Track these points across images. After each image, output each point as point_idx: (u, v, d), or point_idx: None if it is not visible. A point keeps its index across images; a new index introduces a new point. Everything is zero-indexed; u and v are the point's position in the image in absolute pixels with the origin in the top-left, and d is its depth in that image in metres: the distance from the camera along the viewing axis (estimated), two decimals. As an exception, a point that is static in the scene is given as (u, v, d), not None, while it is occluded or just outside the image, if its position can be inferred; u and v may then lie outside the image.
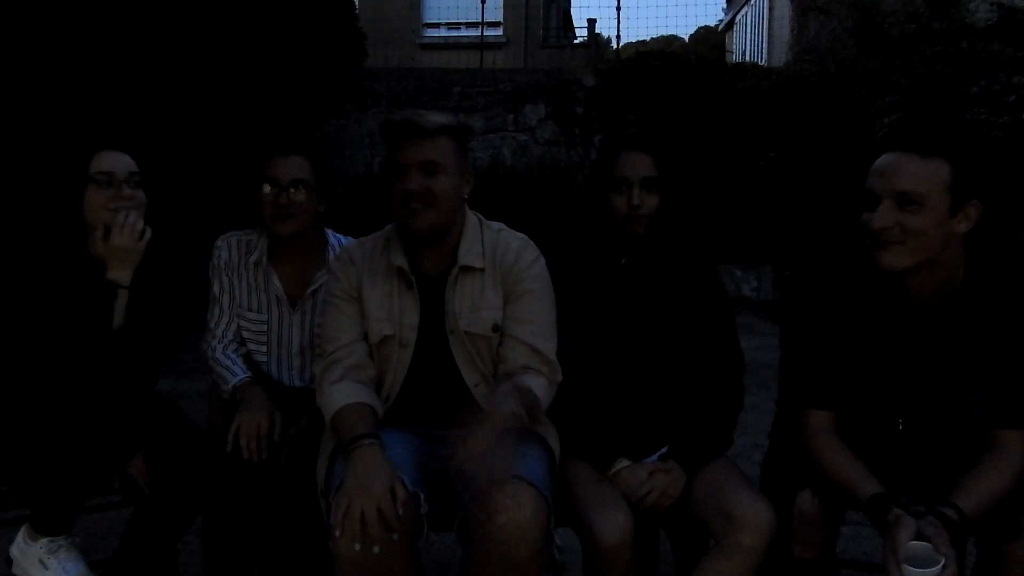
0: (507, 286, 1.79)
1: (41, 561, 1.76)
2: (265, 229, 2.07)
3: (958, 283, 1.60)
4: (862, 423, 1.70)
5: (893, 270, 1.55)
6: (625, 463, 1.81)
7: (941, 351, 1.62)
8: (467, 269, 1.78)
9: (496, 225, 1.88)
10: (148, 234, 1.88)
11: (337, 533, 1.45)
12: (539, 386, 1.73)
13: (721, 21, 15.54)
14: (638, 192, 1.83)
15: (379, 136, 1.78)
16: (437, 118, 1.73)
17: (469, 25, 12.19)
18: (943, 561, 1.38)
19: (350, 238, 2.06)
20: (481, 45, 11.37)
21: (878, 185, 1.54)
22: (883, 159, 1.56)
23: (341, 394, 1.71)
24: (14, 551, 1.80)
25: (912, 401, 1.67)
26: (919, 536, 1.43)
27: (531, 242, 1.86)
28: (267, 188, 1.99)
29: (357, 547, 1.42)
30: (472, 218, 1.85)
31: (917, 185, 1.50)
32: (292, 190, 2.00)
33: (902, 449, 1.69)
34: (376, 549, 1.43)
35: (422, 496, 1.56)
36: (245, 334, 2.13)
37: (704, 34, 18.83)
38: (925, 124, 1.63)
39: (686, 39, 19.59)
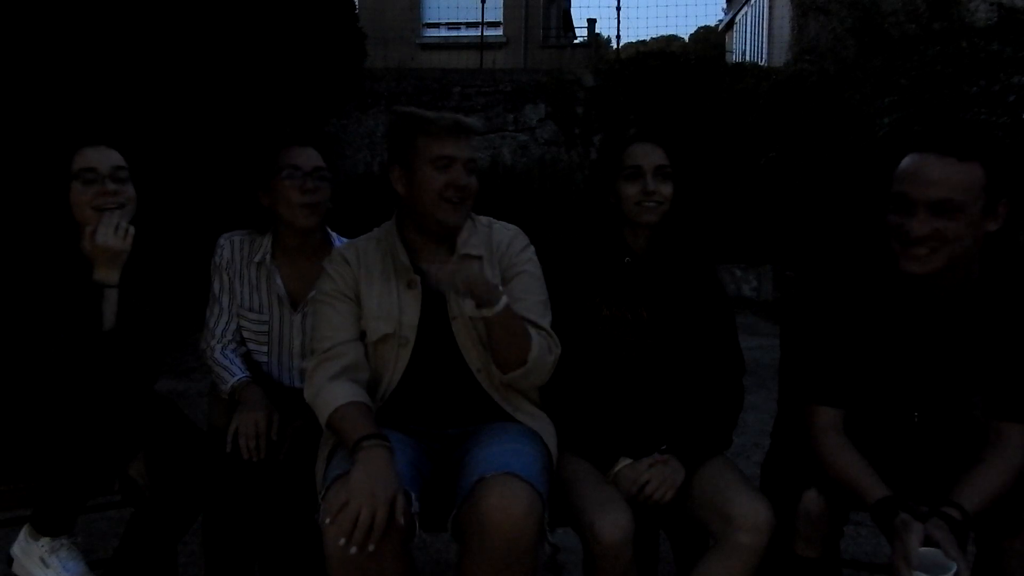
0: (503, 270, 1.83)
1: (42, 559, 1.76)
2: (279, 223, 2.07)
3: (975, 277, 1.61)
4: (876, 416, 1.71)
5: (922, 274, 1.53)
6: (627, 461, 1.81)
7: (954, 344, 1.63)
8: (467, 257, 1.79)
9: (485, 220, 1.91)
10: (132, 232, 1.85)
11: (328, 521, 1.44)
12: (537, 341, 1.72)
13: (721, 21, 15.54)
14: (652, 179, 1.85)
15: (402, 126, 1.77)
16: (469, 119, 1.78)
17: (469, 25, 12.19)
18: (955, 568, 1.38)
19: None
20: (481, 45, 11.37)
21: (914, 191, 1.50)
22: (917, 163, 1.51)
23: (339, 391, 1.69)
24: (15, 550, 1.80)
25: (927, 393, 1.68)
26: (927, 541, 1.42)
27: (521, 231, 1.91)
28: (290, 178, 2.00)
29: (341, 542, 1.42)
30: None
31: (956, 192, 1.47)
32: (316, 179, 2.02)
33: (917, 441, 1.70)
34: (353, 550, 1.42)
35: (414, 495, 1.56)
36: (246, 334, 2.13)
37: (704, 34, 18.82)
38: (957, 126, 1.61)
39: (686, 39, 19.58)
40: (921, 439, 1.70)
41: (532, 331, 1.73)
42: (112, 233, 1.82)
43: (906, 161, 1.54)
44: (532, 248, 1.89)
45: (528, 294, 1.81)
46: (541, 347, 1.73)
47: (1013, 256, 1.63)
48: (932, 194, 1.48)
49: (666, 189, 1.88)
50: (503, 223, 1.92)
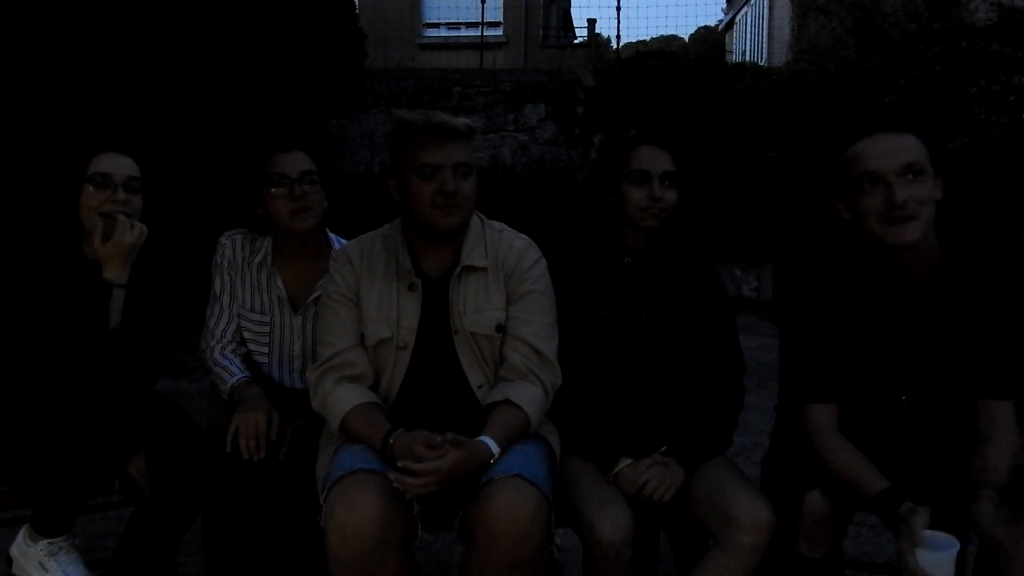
0: (510, 287, 1.79)
1: (41, 564, 1.76)
2: (277, 229, 2.06)
3: (937, 258, 1.66)
4: (865, 404, 1.72)
5: (909, 244, 1.58)
6: (627, 461, 1.81)
7: (933, 325, 1.66)
8: (470, 269, 1.78)
9: (498, 225, 1.88)
10: (145, 232, 1.88)
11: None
12: (533, 398, 1.72)
13: (721, 21, 15.55)
14: (658, 185, 1.85)
15: (393, 134, 1.76)
16: (460, 119, 1.74)
17: (469, 25, 12.19)
18: (958, 546, 1.39)
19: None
20: (481, 45, 11.37)
21: (881, 165, 1.57)
22: (870, 143, 1.61)
23: (347, 396, 1.71)
24: (14, 551, 1.80)
25: (913, 377, 1.70)
26: (932, 526, 1.43)
27: (533, 243, 1.87)
28: (278, 187, 1.98)
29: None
30: (474, 218, 1.85)
31: (916, 155, 1.58)
32: (305, 184, 2.00)
33: (907, 426, 1.72)
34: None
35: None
36: (246, 334, 2.13)
37: (704, 34, 18.83)
38: (886, 109, 1.75)
39: (686, 39, 19.59)
40: (910, 423, 1.72)
41: (527, 387, 1.72)
42: (128, 230, 1.84)
43: (857, 147, 1.62)
44: (543, 262, 1.84)
45: (536, 315, 1.78)
46: (540, 409, 1.73)
47: (971, 242, 1.67)
48: (901, 159, 1.57)
49: (671, 196, 1.87)
50: (515, 232, 1.88)
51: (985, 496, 1.49)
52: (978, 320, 1.63)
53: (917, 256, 1.63)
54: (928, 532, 1.42)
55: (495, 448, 1.59)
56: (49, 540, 1.77)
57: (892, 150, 1.58)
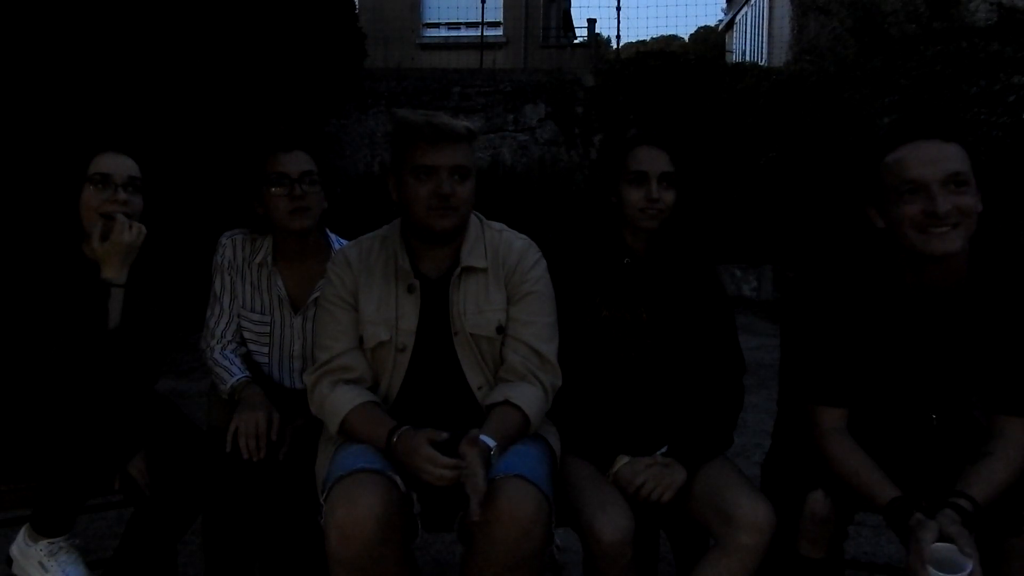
0: (510, 287, 1.79)
1: (41, 564, 1.76)
2: (276, 229, 2.06)
3: (965, 271, 1.63)
4: (891, 418, 1.71)
5: (947, 254, 1.55)
6: (625, 459, 1.81)
7: (954, 344, 1.64)
8: (470, 270, 1.78)
9: (497, 225, 1.88)
10: (143, 232, 1.88)
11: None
12: (533, 399, 1.72)
13: (721, 21, 15.56)
14: (656, 186, 1.84)
15: (393, 134, 1.75)
16: (460, 122, 1.72)
17: (469, 25, 12.19)
18: (970, 567, 1.38)
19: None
20: (481, 45, 11.37)
21: (924, 173, 1.53)
22: (915, 149, 1.56)
23: (344, 397, 1.70)
24: (14, 551, 1.80)
25: (939, 395, 1.69)
26: (941, 537, 1.43)
27: (533, 243, 1.86)
28: (278, 186, 1.98)
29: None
30: (473, 219, 1.84)
31: (962, 164, 1.54)
32: (305, 184, 2.00)
33: (935, 443, 1.70)
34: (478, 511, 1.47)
35: (415, 496, 1.56)
36: (246, 334, 2.13)
37: (704, 34, 18.85)
38: (933, 115, 1.70)
39: (686, 39, 19.61)
40: (939, 440, 1.70)
41: (527, 388, 1.72)
42: (126, 229, 1.84)
43: (900, 153, 1.58)
44: (543, 263, 1.84)
45: (536, 316, 1.78)
46: (539, 410, 1.73)
47: (1000, 256, 1.64)
48: (946, 168, 1.53)
49: (669, 197, 1.87)
50: (515, 233, 1.87)
51: (952, 506, 1.48)
52: (1002, 334, 1.60)
53: (949, 267, 1.60)
54: (938, 546, 1.41)
55: (490, 442, 1.59)
56: (49, 540, 1.77)
57: (936, 159, 1.54)
